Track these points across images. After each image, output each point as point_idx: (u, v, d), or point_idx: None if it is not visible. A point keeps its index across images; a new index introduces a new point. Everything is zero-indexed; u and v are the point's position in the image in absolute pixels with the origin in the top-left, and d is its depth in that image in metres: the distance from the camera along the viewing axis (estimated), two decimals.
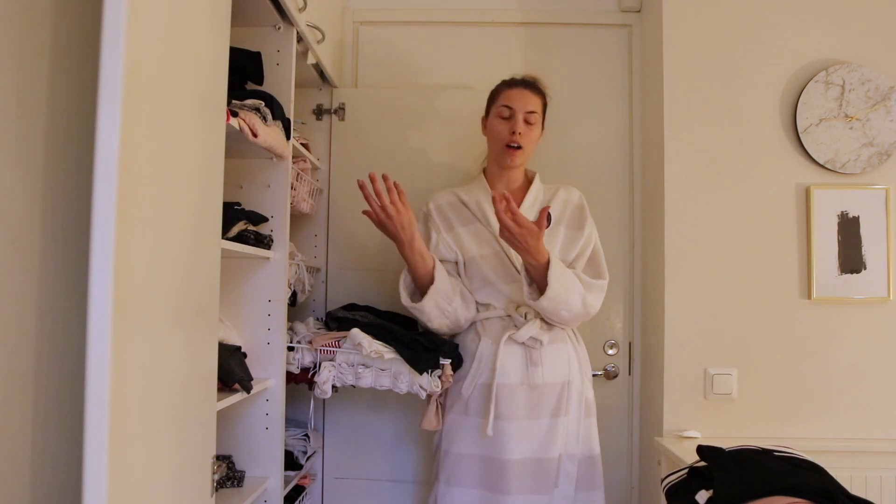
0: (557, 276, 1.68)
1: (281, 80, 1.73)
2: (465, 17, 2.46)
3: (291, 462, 1.97)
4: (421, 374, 1.79)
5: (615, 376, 2.36)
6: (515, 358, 1.76)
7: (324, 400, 2.27)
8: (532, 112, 1.84)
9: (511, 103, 1.84)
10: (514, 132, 1.82)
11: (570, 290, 1.71)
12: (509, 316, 1.81)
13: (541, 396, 1.76)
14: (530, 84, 1.88)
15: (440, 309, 1.79)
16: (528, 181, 1.95)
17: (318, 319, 2.13)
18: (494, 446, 1.74)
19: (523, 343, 1.77)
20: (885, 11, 2.12)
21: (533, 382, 1.75)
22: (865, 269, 2.07)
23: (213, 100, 1.24)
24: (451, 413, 1.83)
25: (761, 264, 2.10)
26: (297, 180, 1.93)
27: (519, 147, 1.83)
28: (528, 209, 1.88)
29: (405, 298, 1.82)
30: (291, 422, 2.06)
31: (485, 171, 1.99)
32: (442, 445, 1.83)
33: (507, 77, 1.96)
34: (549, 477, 1.75)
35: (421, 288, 1.80)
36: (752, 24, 2.14)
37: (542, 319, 1.81)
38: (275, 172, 1.73)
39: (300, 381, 1.89)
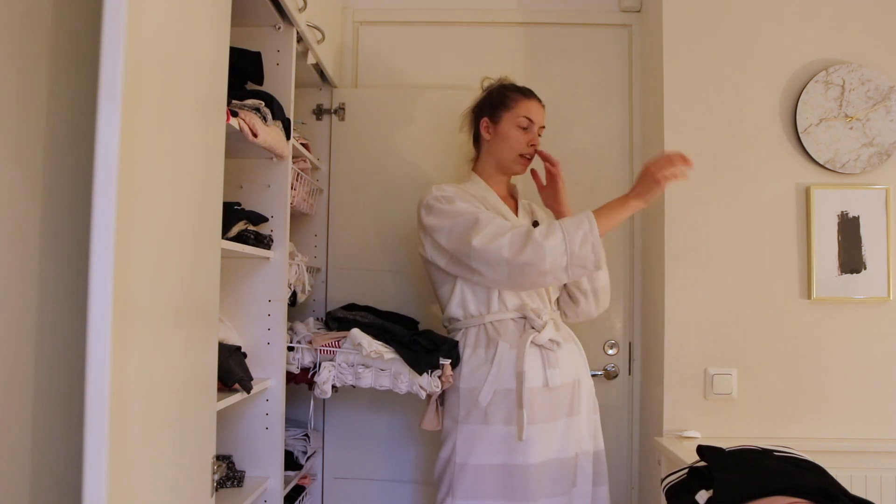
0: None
1: (281, 80, 1.74)
2: (465, 17, 2.46)
3: (291, 462, 1.97)
4: (421, 374, 1.79)
5: (615, 376, 2.36)
6: (534, 360, 1.74)
7: (324, 400, 2.27)
8: (543, 128, 1.91)
9: (532, 116, 1.86)
10: (533, 144, 1.87)
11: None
12: (523, 318, 1.79)
13: (557, 397, 1.75)
14: (537, 97, 1.91)
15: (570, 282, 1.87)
16: (510, 187, 1.99)
17: (318, 319, 2.13)
18: (518, 453, 1.70)
19: (540, 345, 1.76)
20: (885, 11, 2.12)
21: (552, 384, 1.74)
22: (865, 269, 2.07)
23: (213, 100, 1.24)
24: (466, 424, 1.75)
25: (761, 264, 2.10)
26: (297, 180, 1.93)
27: (531, 157, 1.89)
28: (526, 214, 1.94)
29: (598, 246, 1.67)
30: (291, 422, 2.06)
31: (475, 171, 1.95)
32: (455, 458, 1.74)
33: (506, 79, 1.95)
34: (567, 477, 1.74)
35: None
36: (752, 24, 2.14)
37: (555, 320, 1.83)
38: (275, 172, 1.73)
39: (300, 381, 1.89)
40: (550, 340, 1.76)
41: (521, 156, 1.86)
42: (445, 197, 1.80)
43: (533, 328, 1.77)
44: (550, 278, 1.69)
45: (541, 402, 1.73)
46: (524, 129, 1.85)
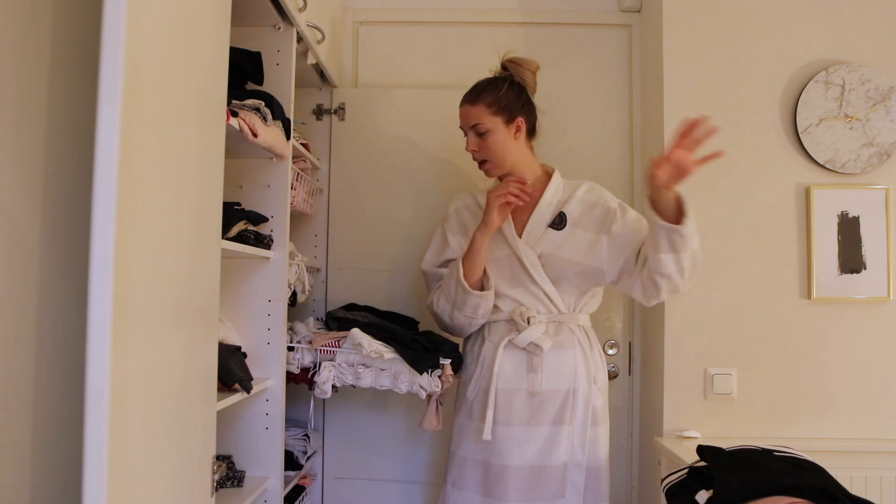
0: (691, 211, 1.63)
1: (281, 80, 1.74)
2: (465, 17, 2.46)
3: (291, 462, 1.97)
4: (421, 374, 1.79)
5: (615, 376, 2.36)
6: (517, 363, 1.74)
7: (324, 400, 2.27)
8: (476, 125, 1.80)
9: (462, 123, 1.84)
10: (472, 150, 1.83)
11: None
12: (513, 320, 1.78)
13: (541, 403, 1.72)
14: (468, 97, 1.83)
15: (485, 310, 1.78)
16: (549, 176, 1.87)
17: (318, 319, 2.13)
18: (494, 451, 1.72)
19: (525, 348, 1.74)
20: (885, 11, 2.12)
21: (532, 389, 1.73)
22: (865, 269, 2.07)
23: (213, 100, 1.24)
24: (458, 416, 1.83)
25: (761, 264, 2.10)
26: (297, 180, 1.93)
27: (484, 161, 1.82)
28: (546, 207, 1.80)
29: (461, 284, 1.75)
30: (291, 422, 2.06)
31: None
32: (451, 447, 1.83)
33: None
34: (551, 486, 1.71)
35: (471, 284, 1.78)
36: (752, 24, 2.14)
37: (551, 322, 1.77)
38: (275, 172, 1.73)
39: (300, 381, 1.89)
40: (532, 344, 1.73)
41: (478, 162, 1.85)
42: (446, 220, 1.93)
43: (518, 330, 1.75)
44: (468, 329, 1.83)
45: (521, 405, 1.72)
46: (466, 137, 1.84)
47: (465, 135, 1.84)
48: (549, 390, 1.73)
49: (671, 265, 1.63)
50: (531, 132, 1.87)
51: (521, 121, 1.80)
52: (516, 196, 1.72)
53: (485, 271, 1.78)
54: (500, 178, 1.86)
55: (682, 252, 1.62)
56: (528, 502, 1.70)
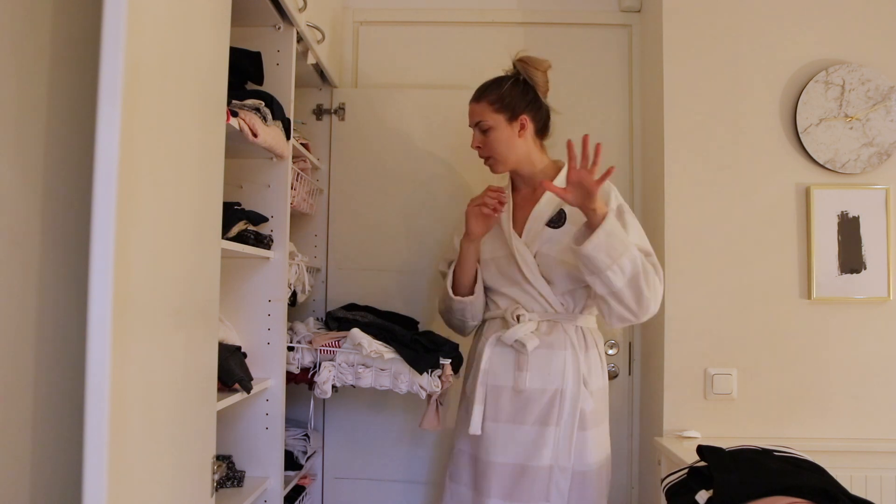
0: (611, 225, 1.59)
1: (281, 80, 1.74)
2: (465, 17, 2.46)
3: (291, 462, 1.97)
4: (421, 374, 1.80)
5: (615, 376, 2.36)
6: (506, 360, 1.74)
7: (324, 400, 2.27)
8: (479, 122, 1.81)
9: (469, 121, 1.85)
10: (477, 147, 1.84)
11: (620, 245, 1.57)
12: (505, 318, 1.78)
13: (526, 402, 1.71)
14: (474, 95, 1.84)
15: (473, 314, 1.85)
16: (559, 173, 1.85)
17: (318, 319, 2.13)
18: (482, 447, 1.74)
19: (512, 346, 1.74)
20: (885, 11, 2.12)
21: (517, 387, 1.72)
22: (865, 269, 2.07)
23: (213, 100, 1.24)
24: (459, 410, 1.88)
25: (761, 264, 2.10)
26: (297, 180, 1.93)
27: (488, 157, 1.82)
28: (546, 204, 1.79)
29: (447, 289, 1.86)
30: (291, 422, 2.06)
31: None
32: (453, 440, 1.88)
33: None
34: (535, 487, 1.69)
35: (459, 288, 1.85)
36: (752, 24, 2.14)
37: (545, 322, 1.75)
38: (275, 172, 1.73)
39: (300, 381, 1.89)
40: (518, 342, 1.71)
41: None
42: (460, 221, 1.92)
43: (508, 328, 1.75)
44: (465, 329, 1.90)
45: (508, 402, 1.73)
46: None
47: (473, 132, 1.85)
48: (535, 389, 1.71)
49: (599, 286, 1.62)
50: (542, 130, 1.87)
51: (525, 118, 1.80)
52: (493, 207, 1.76)
53: (476, 275, 1.83)
54: (512, 176, 1.89)
55: (601, 274, 1.58)
56: (512, 501, 1.69)
